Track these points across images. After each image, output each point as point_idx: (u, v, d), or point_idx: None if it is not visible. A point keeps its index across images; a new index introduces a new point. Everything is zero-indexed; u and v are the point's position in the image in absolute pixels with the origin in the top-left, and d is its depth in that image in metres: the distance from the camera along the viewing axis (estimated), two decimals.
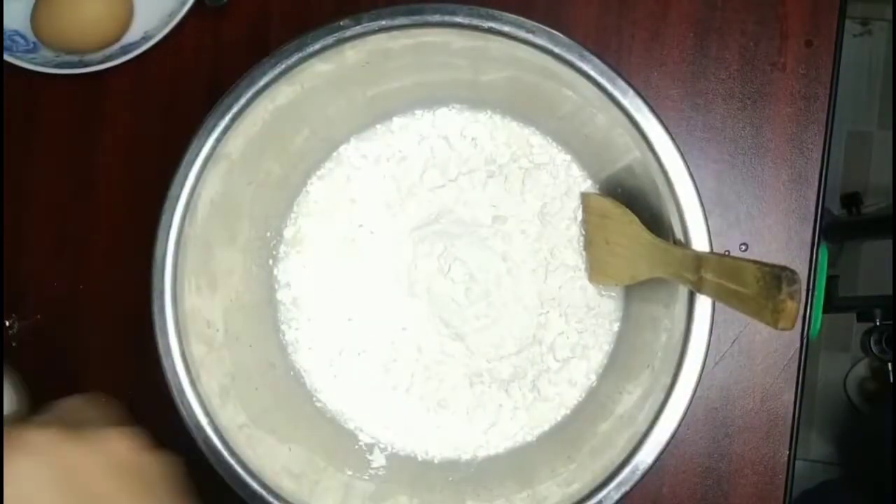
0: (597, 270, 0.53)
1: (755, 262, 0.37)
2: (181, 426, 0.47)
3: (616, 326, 0.54)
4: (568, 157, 0.54)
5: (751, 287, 0.37)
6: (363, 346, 0.55)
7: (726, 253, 0.54)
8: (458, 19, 0.46)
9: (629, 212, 0.48)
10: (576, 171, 0.54)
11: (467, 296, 0.54)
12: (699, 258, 0.42)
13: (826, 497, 1.13)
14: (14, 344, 0.57)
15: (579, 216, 0.54)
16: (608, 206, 0.50)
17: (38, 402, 0.57)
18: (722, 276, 0.39)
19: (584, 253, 0.54)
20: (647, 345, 0.50)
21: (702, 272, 0.41)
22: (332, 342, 0.55)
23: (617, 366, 0.53)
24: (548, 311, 0.54)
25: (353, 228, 0.55)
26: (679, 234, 0.45)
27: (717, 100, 0.55)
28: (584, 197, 0.53)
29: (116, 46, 0.56)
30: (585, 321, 0.54)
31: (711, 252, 0.44)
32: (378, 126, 0.55)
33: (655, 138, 0.45)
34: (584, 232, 0.54)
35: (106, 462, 0.28)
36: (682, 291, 0.46)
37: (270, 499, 0.46)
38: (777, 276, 0.35)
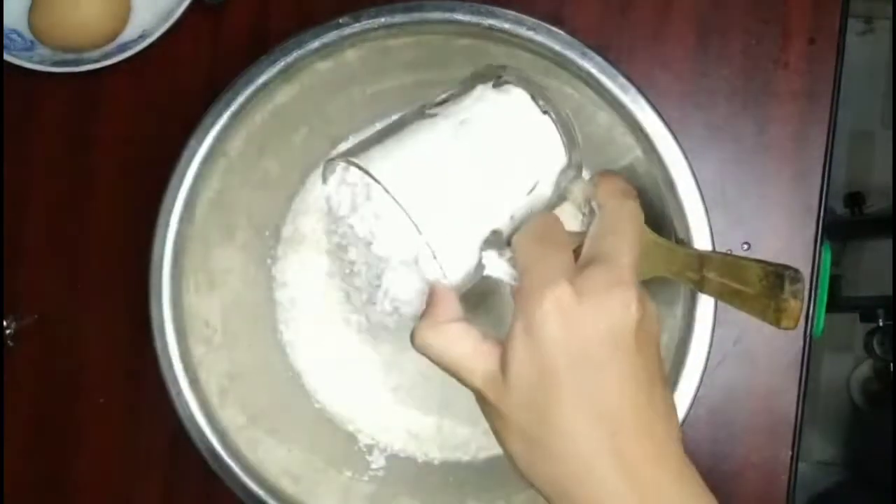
0: None
1: (758, 261, 0.37)
2: (180, 427, 0.46)
3: None
4: None
5: (754, 286, 0.36)
6: (363, 346, 0.54)
7: (729, 252, 0.54)
8: (458, 17, 0.45)
9: None
10: None
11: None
12: (701, 257, 0.41)
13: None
14: (13, 344, 0.57)
15: None
16: None
17: (38, 402, 0.57)
18: (724, 275, 0.39)
19: None
20: None
21: (704, 271, 0.41)
22: (331, 343, 0.54)
23: None
24: None
25: None
26: (681, 233, 0.45)
27: (720, 98, 0.54)
28: None
29: (114, 45, 0.56)
30: None
31: (714, 251, 0.44)
32: (377, 124, 0.54)
33: (657, 136, 0.44)
34: None
35: (607, 330, 0.31)
36: (684, 291, 0.46)
37: (270, 500, 0.46)
38: (780, 276, 0.35)
